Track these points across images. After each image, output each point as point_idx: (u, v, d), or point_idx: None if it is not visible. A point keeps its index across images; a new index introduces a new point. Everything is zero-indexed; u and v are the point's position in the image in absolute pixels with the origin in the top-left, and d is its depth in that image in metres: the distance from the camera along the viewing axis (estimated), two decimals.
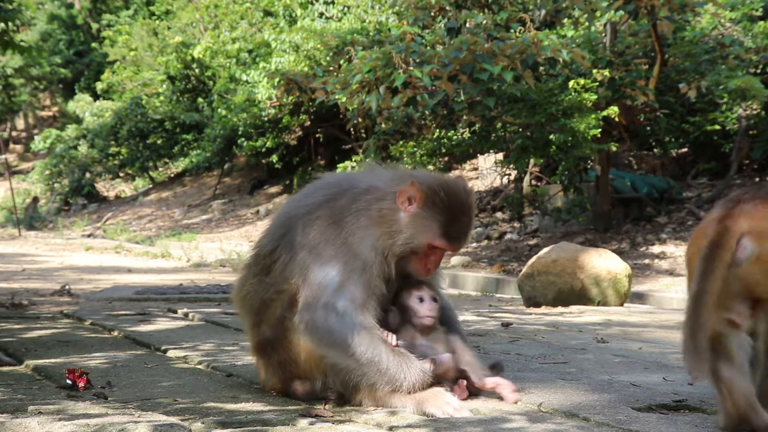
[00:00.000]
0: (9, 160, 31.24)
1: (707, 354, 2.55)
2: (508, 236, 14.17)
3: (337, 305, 2.94)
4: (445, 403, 2.88)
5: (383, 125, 12.94)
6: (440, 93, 10.29)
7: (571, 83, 11.26)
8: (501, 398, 3.10)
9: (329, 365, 3.02)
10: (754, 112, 14.28)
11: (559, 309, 7.22)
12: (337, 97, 10.84)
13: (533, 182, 15.65)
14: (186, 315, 6.18)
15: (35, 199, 28.31)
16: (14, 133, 42.99)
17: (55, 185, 29.14)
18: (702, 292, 2.55)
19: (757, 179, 14.12)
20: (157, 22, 32.09)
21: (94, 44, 38.31)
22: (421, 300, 3.20)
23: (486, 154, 15.82)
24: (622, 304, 7.60)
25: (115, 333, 5.10)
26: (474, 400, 3.11)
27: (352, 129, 19.65)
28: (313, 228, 3.05)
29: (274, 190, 23.24)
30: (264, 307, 3.14)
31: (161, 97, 26.22)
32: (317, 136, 22.37)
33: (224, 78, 22.80)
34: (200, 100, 25.03)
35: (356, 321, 2.93)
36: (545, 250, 7.97)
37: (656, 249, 12.08)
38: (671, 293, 9.81)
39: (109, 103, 28.90)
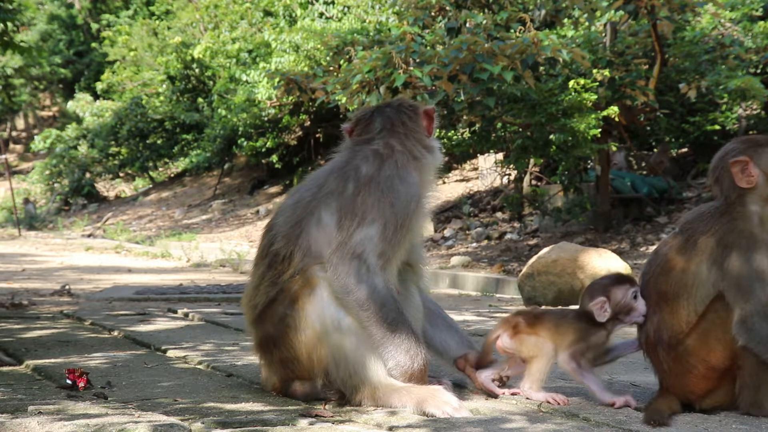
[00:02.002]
0: (9, 160, 31.24)
1: None
2: (508, 236, 14.17)
3: (383, 266, 3.03)
4: (445, 402, 2.88)
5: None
6: (440, 93, 10.28)
7: (571, 83, 11.26)
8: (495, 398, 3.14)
9: (331, 354, 3.02)
10: (754, 112, 14.28)
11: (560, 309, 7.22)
12: (337, 97, 10.84)
13: (533, 182, 15.64)
14: (186, 315, 6.18)
15: (26, 201, 28.26)
16: (14, 133, 43.00)
17: (55, 185, 29.13)
18: None
19: None
20: (157, 22, 32.08)
21: (94, 44, 38.30)
22: (636, 296, 3.03)
23: (486, 154, 15.81)
24: None
25: (115, 333, 5.10)
26: (474, 401, 3.11)
27: None
28: (347, 203, 3.07)
29: (274, 190, 23.24)
30: (268, 306, 3.13)
31: (161, 97, 26.23)
32: (317, 136, 22.36)
33: (224, 78, 22.80)
34: (200, 100, 25.03)
35: (393, 288, 3.04)
36: (545, 250, 7.98)
37: None
38: None
39: (109, 103, 28.89)
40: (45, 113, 43.88)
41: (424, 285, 3.41)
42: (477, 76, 9.94)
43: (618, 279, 3.09)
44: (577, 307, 3.18)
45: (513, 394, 3.17)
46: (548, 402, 3.01)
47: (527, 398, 3.08)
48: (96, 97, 32.28)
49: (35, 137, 31.65)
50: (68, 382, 3.31)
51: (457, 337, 3.37)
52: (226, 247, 15.29)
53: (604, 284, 3.08)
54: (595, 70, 11.54)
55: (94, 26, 40.24)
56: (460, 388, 3.32)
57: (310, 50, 17.98)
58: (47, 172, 28.81)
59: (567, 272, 7.54)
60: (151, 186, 29.70)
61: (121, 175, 29.98)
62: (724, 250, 2.92)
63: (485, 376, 3.19)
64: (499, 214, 15.61)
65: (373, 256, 3.01)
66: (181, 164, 28.77)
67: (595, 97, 11.30)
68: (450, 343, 3.35)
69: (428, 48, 10.80)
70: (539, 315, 3.17)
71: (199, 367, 3.90)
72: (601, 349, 3.07)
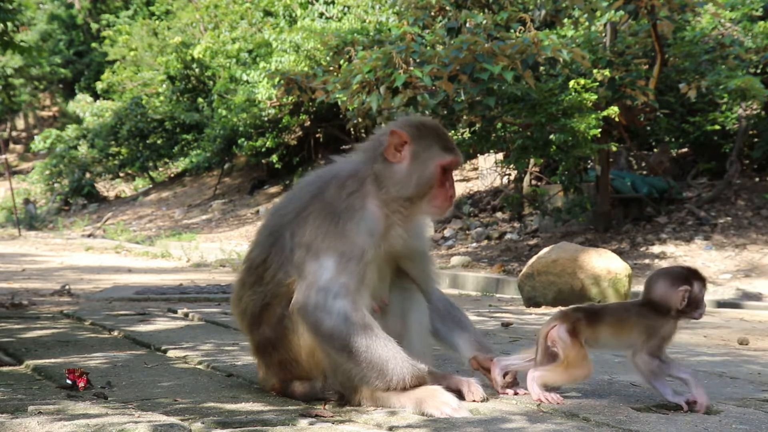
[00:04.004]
0: (9, 160, 31.24)
1: None
2: (508, 236, 14.17)
3: (332, 296, 2.93)
4: (444, 403, 2.88)
5: (383, 125, 12.93)
6: (441, 93, 10.28)
7: (571, 83, 11.26)
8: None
9: (327, 362, 3.02)
10: (754, 112, 14.29)
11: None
12: (337, 96, 10.84)
13: (533, 182, 15.65)
14: (186, 315, 6.18)
15: (26, 201, 28.27)
16: (14, 133, 43.01)
17: (55, 185, 29.15)
18: None
19: (757, 179, 14.11)
20: (157, 22, 32.10)
21: (94, 44, 38.32)
22: (703, 292, 3.01)
23: (486, 154, 15.82)
24: None
25: (115, 333, 5.10)
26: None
27: (352, 129, 19.66)
28: (307, 226, 3.03)
29: (274, 190, 23.25)
30: (263, 310, 3.14)
31: (161, 97, 26.24)
32: (317, 136, 22.37)
33: (224, 78, 22.81)
34: (200, 100, 25.05)
35: (351, 315, 2.92)
36: (545, 250, 7.97)
37: (656, 249, 12.08)
38: None
39: (109, 103, 28.92)
40: (45, 113, 43.89)
41: (432, 288, 3.37)
42: (477, 76, 9.94)
43: (694, 272, 3.05)
44: (632, 300, 3.15)
45: (515, 393, 3.18)
46: (540, 401, 3.02)
47: (526, 387, 3.09)
48: (96, 97, 32.31)
49: (35, 137, 31.67)
50: (68, 382, 3.30)
51: (466, 336, 3.36)
52: (226, 247, 15.29)
53: (683, 274, 3.04)
54: (595, 70, 11.54)
55: (94, 26, 40.26)
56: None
57: (310, 50, 17.99)
58: (47, 172, 28.82)
59: (567, 272, 7.54)
60: (151, 186, 29.71)
61: (121, 175, 30.00)
62: None
63: (501, 367, 3.19)
64: (499, 214, 15.61)
65: (336, 285, 2.93)
66: (181, 164, 28.78)
67: (595, 97, 11.30)
68: (459, 343, 3.36)
69: (428, 48, 10.81)
70: (599, 312, 3.10)
71: (199, 367, 3.90)
72: (671, 341, 3.06)
